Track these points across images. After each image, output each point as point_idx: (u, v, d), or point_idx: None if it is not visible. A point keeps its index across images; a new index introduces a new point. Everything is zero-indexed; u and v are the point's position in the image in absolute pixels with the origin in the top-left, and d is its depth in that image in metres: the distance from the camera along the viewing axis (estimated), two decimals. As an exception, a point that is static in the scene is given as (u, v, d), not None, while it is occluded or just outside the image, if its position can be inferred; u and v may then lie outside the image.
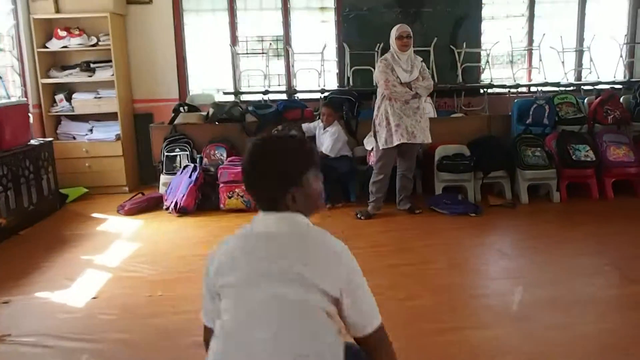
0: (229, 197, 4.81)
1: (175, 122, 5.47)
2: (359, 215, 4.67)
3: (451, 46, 6.07)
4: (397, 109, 4.48)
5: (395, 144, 4.45)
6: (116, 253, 3.90)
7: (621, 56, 6.16)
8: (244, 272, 1.33)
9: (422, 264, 3.54)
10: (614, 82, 6.08)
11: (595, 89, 6.00)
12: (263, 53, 6.14)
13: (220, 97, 6.07)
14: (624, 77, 6.19)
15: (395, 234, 4.24)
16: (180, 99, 6.01)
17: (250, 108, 5.51)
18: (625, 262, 3.50)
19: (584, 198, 4.98)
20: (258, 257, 1.34)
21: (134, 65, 5.94)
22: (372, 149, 4.89)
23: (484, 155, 4.98)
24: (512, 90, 6.12)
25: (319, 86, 5.95)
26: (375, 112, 4.63)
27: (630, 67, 6.26)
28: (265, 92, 5.93)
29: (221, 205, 4.83)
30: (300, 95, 6.10)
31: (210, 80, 6.33)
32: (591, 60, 6.16)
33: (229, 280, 1.34)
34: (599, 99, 5.27)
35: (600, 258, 3.56)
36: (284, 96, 6.10)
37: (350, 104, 5.55)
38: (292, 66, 6.14)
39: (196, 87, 6.28)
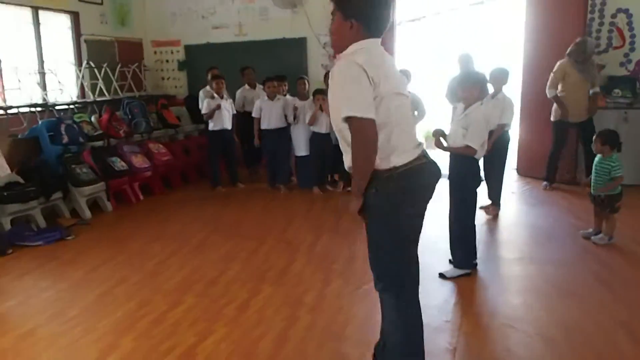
0: None
1: None
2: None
3: None
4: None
5: None
6: None
7: (80, 77, 6.83)
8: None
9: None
10: (82, 102, 6.68)
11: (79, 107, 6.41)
12: None
13: None
14: (81, 97, 6.86)
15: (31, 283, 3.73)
16: None
17: None
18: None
19: (124, 203, 5.62)
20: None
21: None
22: None
23: (40, 179, 4.77)
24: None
25: None
26: None
27: (89, 88, 6.94)
28: None
29: None
30: None
31: None
32: (60, 82, 6.52)
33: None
34: (105, 116, 5.92)
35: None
36: None
37: None
38: None
39: None
